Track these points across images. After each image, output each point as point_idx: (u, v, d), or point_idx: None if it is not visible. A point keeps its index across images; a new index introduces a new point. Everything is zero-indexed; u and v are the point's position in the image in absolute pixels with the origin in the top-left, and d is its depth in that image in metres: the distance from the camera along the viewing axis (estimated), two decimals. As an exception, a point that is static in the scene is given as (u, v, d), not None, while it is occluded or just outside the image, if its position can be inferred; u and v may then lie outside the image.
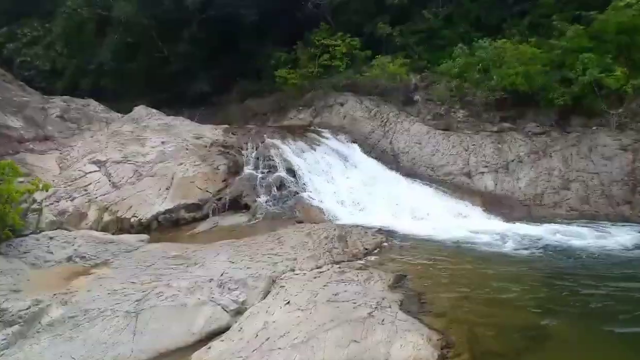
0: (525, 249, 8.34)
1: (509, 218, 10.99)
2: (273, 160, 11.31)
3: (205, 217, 9.83)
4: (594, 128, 12.94)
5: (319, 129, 14.19)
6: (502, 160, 13.11)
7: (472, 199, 11.92)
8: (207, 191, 10.25)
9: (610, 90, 12.49)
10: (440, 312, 5.21)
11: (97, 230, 8.42)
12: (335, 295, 5.29)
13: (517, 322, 4.99)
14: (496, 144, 13.50)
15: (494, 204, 11.95)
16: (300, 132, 13.49)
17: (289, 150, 11.74)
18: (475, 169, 13.11)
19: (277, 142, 11.99)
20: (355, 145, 13.68)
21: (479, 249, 8.35)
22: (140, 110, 14.06)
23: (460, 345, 4.40)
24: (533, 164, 12.85)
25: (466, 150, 13.53)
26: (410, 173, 13.10)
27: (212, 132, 12.48)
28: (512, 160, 13.07)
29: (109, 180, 10.00)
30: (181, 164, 10.61)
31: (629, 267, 7.11)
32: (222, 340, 4.41)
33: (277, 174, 11.02)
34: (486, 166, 13.11)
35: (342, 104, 15.58)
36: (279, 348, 4.14)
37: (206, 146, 11.63)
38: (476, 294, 5.84)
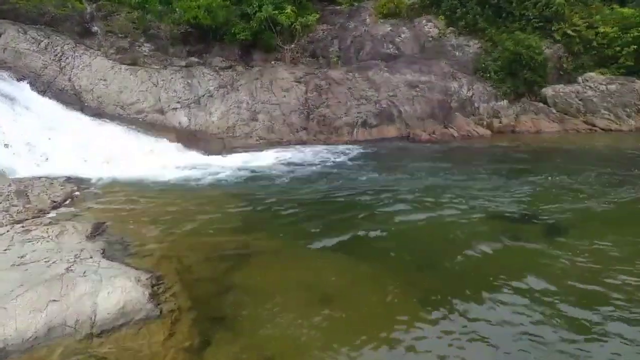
0: (224, 178, 8.85)
1: (206, 151, 11.39)
2: None
3: None
4: (272, 62, 14.34)
5: (-30, 65, 11.15)
6: (194, 96, 13.26)
7: (168, 136, 11.79)
8: None
9: (283, 27, 13.90)
10: (147, 251, 5.10)
11: None
12: (22, 257, 4.57)
13: (224, 246, 5.29)
14: (186, 79, 13.51)
15: (190, 139, 12.13)
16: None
17: None
18: (167, 105, 12.85)
19: None
20: (25, 84, 11.39)
21: (179, 184, 8.42)
22: None
23: (171, 279, 4.43)
24: (223, 98, 13.46)
25: (156, 86, 13.06)
26: (97, 113, 11.88)
27: None
28: (203, 95, 13.36)
29: None
30: None
31: (318, 188, 8.19)
32: None
33: None
34: (178, 102, 13.02)
35: (-1, 34, 12.54)
36: (-50, 334, 3.22)
37: None
38: (182, 227, 5.91)
